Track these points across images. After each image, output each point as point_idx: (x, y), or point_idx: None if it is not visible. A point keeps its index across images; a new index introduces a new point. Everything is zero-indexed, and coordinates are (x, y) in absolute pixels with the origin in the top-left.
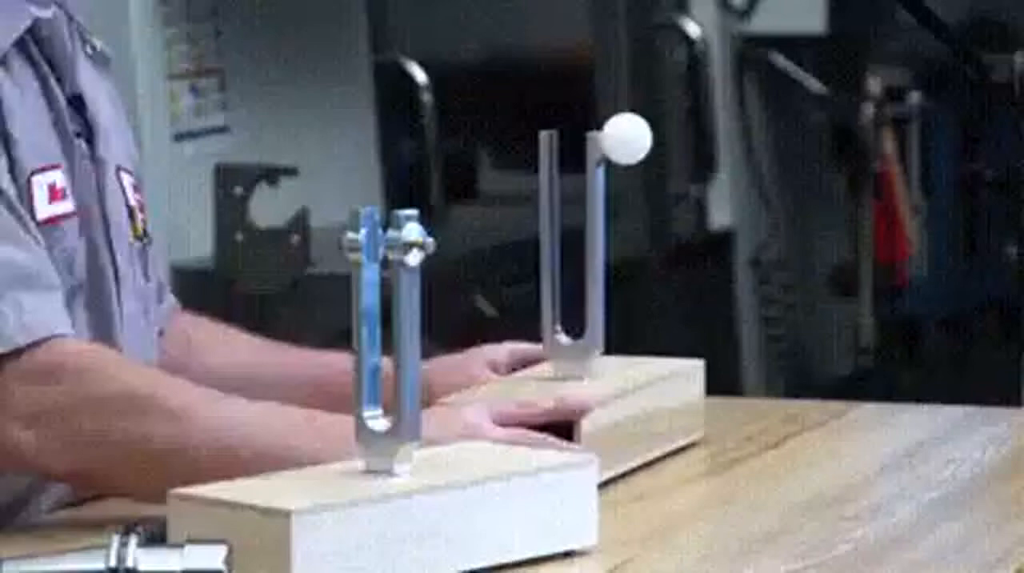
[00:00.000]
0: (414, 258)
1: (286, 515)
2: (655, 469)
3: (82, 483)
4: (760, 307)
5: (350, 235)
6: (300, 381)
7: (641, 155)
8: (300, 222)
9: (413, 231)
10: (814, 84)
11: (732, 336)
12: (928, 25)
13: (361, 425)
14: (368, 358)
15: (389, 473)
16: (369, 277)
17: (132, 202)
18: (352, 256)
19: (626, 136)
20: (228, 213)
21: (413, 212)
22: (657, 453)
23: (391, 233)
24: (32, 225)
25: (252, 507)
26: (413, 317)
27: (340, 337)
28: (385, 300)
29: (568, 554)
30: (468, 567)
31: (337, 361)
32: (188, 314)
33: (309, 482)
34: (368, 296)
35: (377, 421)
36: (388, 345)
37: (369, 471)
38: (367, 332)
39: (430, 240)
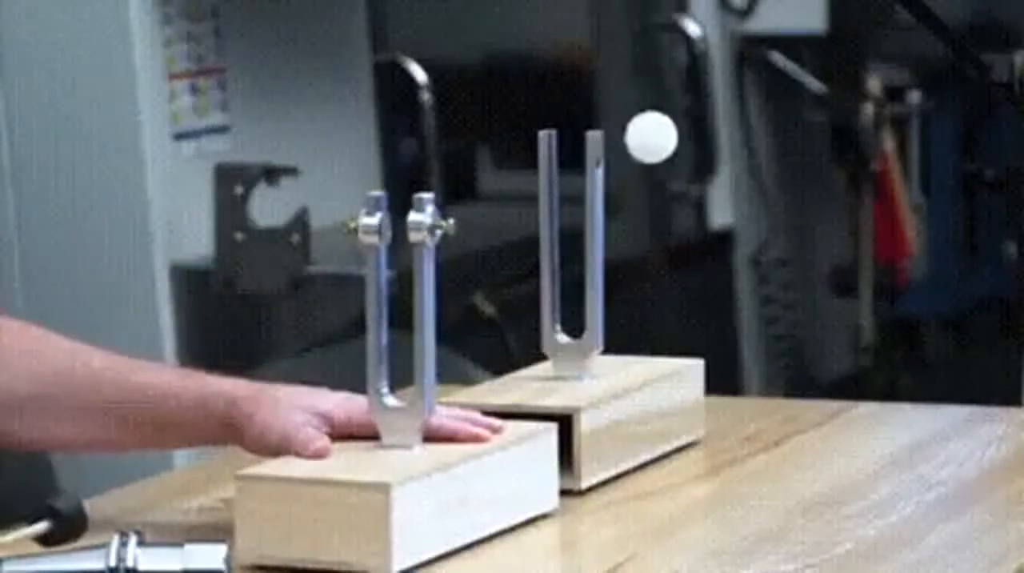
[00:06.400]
0: (434, 239)
1: (385, 488)
2: (655, 469)
3: None
4: (760, 307)
5: (365, 220)
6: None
7: (664, 155)
8: (300, 222)
9: (433, 213)
10: (814, 84)
11: (732, 336)
12: (928, 25)
13: (377, 402)
14: (379, 337)
15: (407, 447)
16: (382, 259)
17: None
18: (367, 239)
19: (651, 136)
20: (228, 213)
21: (432, 195)
22: (657, 453)
23: (413, 215)
24: None
25: (347, 483)
26: (431, 295)
27: (340, 336)
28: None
29: (568, 552)
30: (504, 526)
31: (156, 383)
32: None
33: (358, 457)
34: (380, 278)
35: (391, 398)
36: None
37: (387, 446)
38: (378, 312)
39: (451, 221)
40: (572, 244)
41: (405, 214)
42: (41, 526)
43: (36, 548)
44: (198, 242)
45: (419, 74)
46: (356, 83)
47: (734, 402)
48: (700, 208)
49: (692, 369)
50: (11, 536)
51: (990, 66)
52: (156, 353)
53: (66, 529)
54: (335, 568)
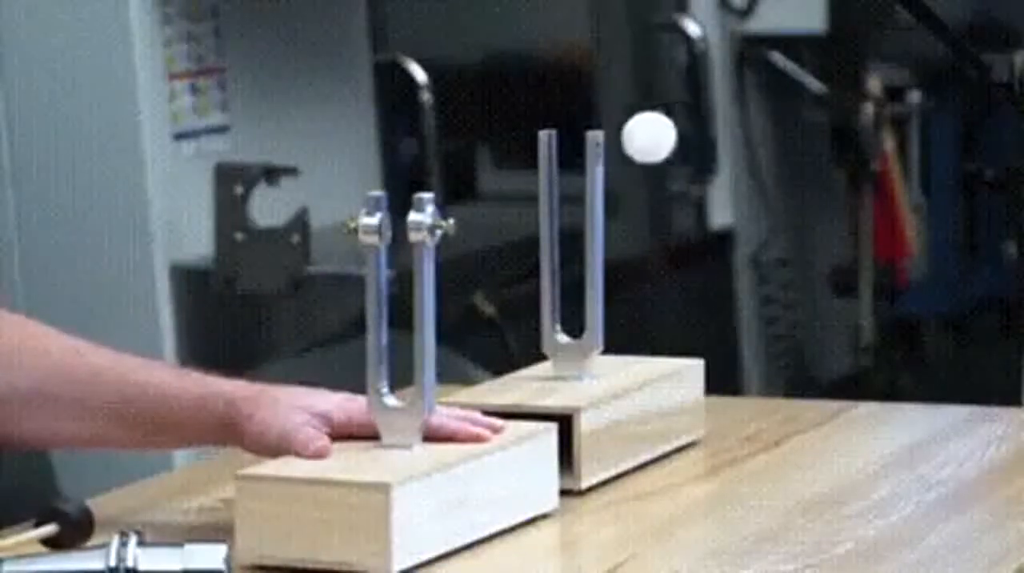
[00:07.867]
0: (434, 239)
1: (385, 488)
2: (655, 469)
3: None
4: (760, 307)
5: (365, 220)
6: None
7: (662, 156)
8: (300, 222)
9: (433, 213)
10: (814, 84)
11: (732, 336)
12: (928, 25)
13: (377, 402)
14: (379, 337)
15: (407, 447)
16: (382, 259)
17: None
18: (367, 239)
19: (647, 136)
20: (228, 213)
21: (432, 195)
22: (657, 453)
23: (413, 215)
24: None
25: (347, 483)
26: (431, 295)
27: (340, 336)
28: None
29: (568, 552)
30: (504, 526)
31: (156, 383)
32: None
33: (358, 457)
34: (380, 277)
35: (391, 398)
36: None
37: (387, 446)
38: (378, 312)
39: (451, 221)
40: (572, 244)
41: (405, 214)
42: (48, 529)
43: (38, 549)
44: (198, 242)
45: (419, 74)
46: (356, 83)
47: (734, 402)
48: (700, 208)
49: (692, 369)
50: (16, 538)
51: (990, 66)
52: (156, 353)
53: (73, 532)
54: (335, 568)
